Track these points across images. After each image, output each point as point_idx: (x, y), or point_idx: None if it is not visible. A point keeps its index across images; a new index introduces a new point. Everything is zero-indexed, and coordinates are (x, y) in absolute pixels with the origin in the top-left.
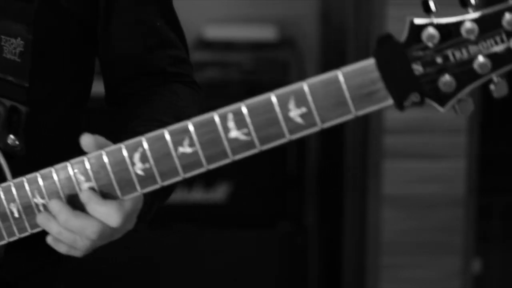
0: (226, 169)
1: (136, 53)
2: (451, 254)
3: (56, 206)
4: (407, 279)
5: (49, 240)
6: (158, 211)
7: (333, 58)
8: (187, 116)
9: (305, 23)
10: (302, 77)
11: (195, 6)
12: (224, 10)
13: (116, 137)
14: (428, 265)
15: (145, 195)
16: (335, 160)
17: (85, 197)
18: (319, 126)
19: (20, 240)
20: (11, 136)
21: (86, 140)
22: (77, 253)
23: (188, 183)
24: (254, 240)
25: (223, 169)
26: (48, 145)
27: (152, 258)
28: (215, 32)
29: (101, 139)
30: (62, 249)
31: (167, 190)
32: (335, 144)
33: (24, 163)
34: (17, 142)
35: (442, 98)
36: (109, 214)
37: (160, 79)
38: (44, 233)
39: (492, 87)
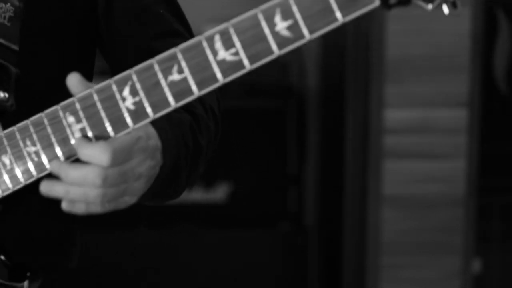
0: (226, 169)
1: (141, 41)
2: (451, 254)
3: (55, 166)
4: (407, 279)
5: (64, 205)
6: (158, 211)
7: (333, 58)
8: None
9: None
10: (302, 77)
11: (195, 6)
12: (224, 10)
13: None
14: (428, 265)
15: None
16: (335, 160)
17: (75, 145)
18: (307, 38)
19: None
20: (1, 93)
21: (73, 79)
22: (95, 208)
23: None
24: (254, 240)
25: (223, 169)
26: (39, 106)
27: (152, 258)
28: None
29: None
30: (79, 208)
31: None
32: (335, 144)
33: (15, 120)
34: (7, 97)
35: None
36: (94, 156)
37: None
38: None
39: None
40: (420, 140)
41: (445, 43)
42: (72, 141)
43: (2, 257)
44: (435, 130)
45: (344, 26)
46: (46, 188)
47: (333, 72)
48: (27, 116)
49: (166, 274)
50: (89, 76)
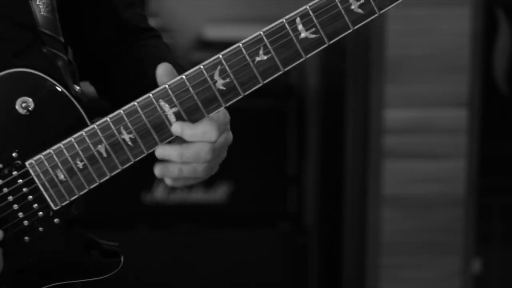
0: (226, 169)
1: (111, 12)
2: (451, 254)
3: (164, 150)
4: (407, 279)
5: (169, 182)
6: (158, 211)
7: (333, 58)
8: (181, 64)
9: None
10: (302, 77)
11: (195, 6)
12: (224, 10)
13: (125, 98)
14: (428, 265)
15: None
16: (335, 160)
17: (177, 128)
18: (377, 13)
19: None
20: (76, 86)
21: (164, 68)
22: (194, 181)
23: None
24: (254, 240)
25: (223, 169)
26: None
27: (152, 258)
28: (215, 32)
29: (172, 68)
30: (181, 183)
31: None
32: (335, 144)
33: (88, 110)
34: (81, 90)
35: None
36: (206, 132)
37: (135, 37)
38: None
39: None
40: (420, 140)
41: (445, 43)
42: (171, 124)
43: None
44: (435, 130)
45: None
46: (161, 171)
47: (333, 72)
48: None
49: (166, 274)
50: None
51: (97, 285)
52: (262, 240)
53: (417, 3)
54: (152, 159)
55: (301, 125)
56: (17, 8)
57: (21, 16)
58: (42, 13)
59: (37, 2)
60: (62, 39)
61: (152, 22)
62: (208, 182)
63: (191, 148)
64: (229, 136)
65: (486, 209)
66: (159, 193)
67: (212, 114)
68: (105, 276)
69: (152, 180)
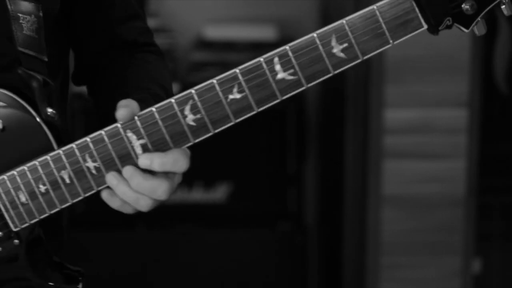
0: (226, 169)
1: (106, 25)
2: (451, 254)
3: (129, 171)
4: (407, 279)
5: (104, 195)
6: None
7: None
8: (167, 82)
9: (305, 23)
10: None
11: (195, 6)
12: (224, 10)
13: (105, 106)
14: (428, 265)
15: None
16: (335, 160)
17: (145, 161)
18: (360, 58)
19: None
20: (49, 109)
21: (123, 113)
22: (130, 211)
23: (188, 183)
24: (254, 240)
25: (223, 169)
26: (65, 115)
27: (152, 258)
28: (215, 32)
29: (134, 104)
30: (115, 204)
31: None
32: (335, 144)
33: (61, 133)
34: (54, 113)
35: (466, 21)
36: (177, 160)
37: (131, 50)
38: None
39: (503, 7)
40: (420, 140)
41: (445, 43)
42: (137, 156)
43: (61, 264)
44: (435, 130)
45: None
46: (111, 180)
47: None
48: (65, 126)
49: (166, 274)
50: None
51: (97, 285)
52: (262, 240)
53: None
54: None
55: (301, 125)
56: (1, 25)
57: (5, 32)
58: (24, 31)
59: (20, 21)
60: (45, 58)
61: (152, 22)
62: (208, 182)
63: (150, 181)
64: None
65: (486, 209)
66: None
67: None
68: None
69: None
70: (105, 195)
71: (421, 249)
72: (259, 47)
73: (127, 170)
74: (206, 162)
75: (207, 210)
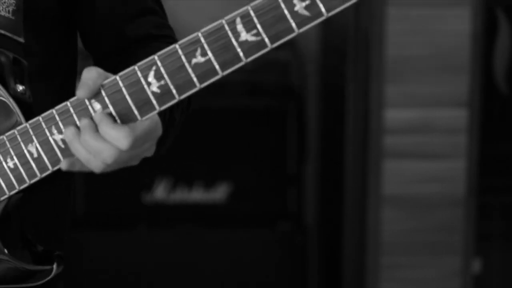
0: (226, 169)
1: (121, 21)
2: (451, 254)
3: (83, 122)
4: (407, 279)
5: (64, 164)
6: (158, 211)
7: (333, 58)
8: None
9: None
10: (302, 77)
11: (195, 6)
12: (224, 10)
13: None
14: (428, 265)
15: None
16: (335, 160)
17: (97, 118)
18: (324, 15)
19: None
20: (19, 85)
21: (90, 73)
22: (86, 170)
23: (188, 183)
24: (254, 240)
25: (223, 169)
26: (45, 95)
27: (152, 258)
28: None
29: (101, 70)
30: (75, 167)
31: (180, 117)
32: (335, 144)
33: (33, 112)
34: (24, 90)
35: None
36: (119, 138)
37: (146, 42)
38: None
39: None
40: (420, 140)
41: (445, 43)
42: (94, 114)
43: (32, 244)
44: (435, 130)
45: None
46: (68, 135)
47: (333, 72)
48: (39, 106)
49: (166, 274)
50: (75, 59)
51: (97, 285)
52: (262, 240)
53: (417, 3)
54: (152, 159)
55: (301, 125)
56: None
57: None
58: (0, 13)
59: None
60: (22, 40)
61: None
62: (208, 182)
63: (98, 143)
64: (150, 149)
65: (486, 209)
66: (159, 193)
67: (143, 123)
68: (33, 284)
69: (152, 180)
70: (68, 133)
71: (421, 249)
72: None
73: (82, 122)
74: (206, 162)
75: (207, 210)
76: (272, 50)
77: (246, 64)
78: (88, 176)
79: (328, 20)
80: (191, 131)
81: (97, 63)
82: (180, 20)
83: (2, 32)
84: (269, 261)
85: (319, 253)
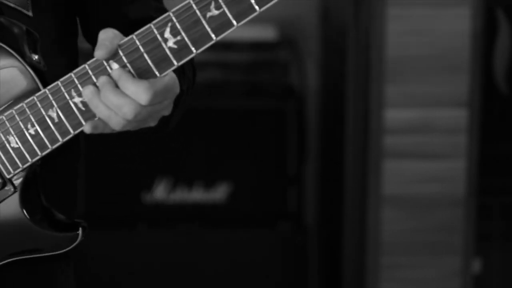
0: (226, 169)
1: (122, 3)
2: (451, 254)
3: (102, 79)
4: (407, 279)
5: (87, 127)
6: (158, 211)
7: (333, 58)
8: None
9: (305, 23)
10: (302, 77)
11: None
12: None
13: None
14: (428, 265)
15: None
16: (335, 160)
17: (116, 74)
18: None
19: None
20: (34, 55)
21: (106, 34)
22: (108, 130)
23: (188, 183)
24: (254, 240)
25: (223, 169)
26: (54, 67)
27: (152, 258)
28: None
29: (116, 31)
30: (97, 129)
31: (187, 92)
32: (335, 144)
33: (47, 81)
34: (40, 59)
35: None
36: (138, 92)
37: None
38: None
39: None
40: (420, 140)
41: (445, 43)
42: (113, 69)
43: (53, 211)
44: (435, 130)
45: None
46: (87, 93)
47: (333, 72)
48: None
49: (166, 274)
50: (76, 45)
51: (97, 285)
52: (262, 240)
53: (417, 3)
54: (152, 159)
55: (301, 125)
56: None
57: None
58: None
59: None
60: (30, 14)
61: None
62: (208, 182)
63: (118, 97)
64: (168, 107)
65: (486, 209)
66: (159, 193)
67: (162, 79)
68: (58, 252)
69: (152, 180)
70: (87, 92)
71: (421, 249)
72: (259, 47)
73: (101, 79)
74: (206, 162)
75: (207, 210)
76: (272, 49)
77: (246, 64)
78: (88, 176)
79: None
80: (191, 131)
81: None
82: None
83: (12, 5)
84: (269, 261)
85: (319, 253)
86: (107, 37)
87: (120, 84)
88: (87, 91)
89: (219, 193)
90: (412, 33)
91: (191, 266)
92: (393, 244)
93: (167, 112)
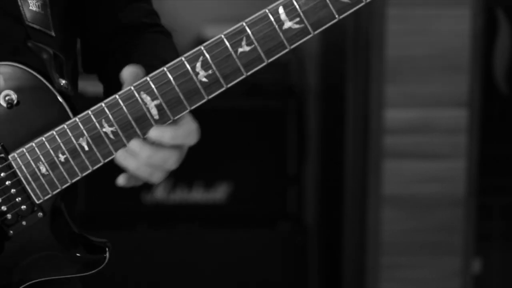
0: (226, 169)
1: (110, 9)
2: (451, 254)
3: (136, 145)
4: (407, 279)
5: (121, 180)
6: (158, 211)
7: (333, 58)
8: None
9: None
10: (302, 77)
11: (195, 6)
12: (224, 10)
13: (114, 91)
14: (428, 265)
15: None
16: (335, 160)
17: (155, 133)
18: (364, 1)
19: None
20: (62, 80)
21: (129, 70)
22: (139, 183)
23: (188, 183)
24: (254, 240)
25: (223, 169)
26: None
27: (152, 258)
28: (215, 32)
29: (138, 71)
30: (132, 183)
31: None
32: (335, 144)
33: (73, 104)
34: (67, 84)
35: None
36: (190, 133)
37: (138, 32)
38: None
39: None
40: (420, 140)
41: (445, 43)
42: (153, 117)
43: (84, 235)
44: (435, 130)
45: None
46: (121, 158)
47: (333, 72)
48: (75, 99)
49: (166, 274)
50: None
51: (97, 285)
52: (262, 240)
53: (417, 3)
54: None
55: (301, 125)
56: (8, 3)
57: (12, 11)
58: (31, 7)
59: None
60: (53, 34)
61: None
62: (208, 182)
63: (162, 152)
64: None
65: (486, 209)
66: (159, 193)
67: (186, 121)
68: (88, 273)
69: None
70: (121, 180)
71: (421, 249)
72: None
73: (134, 145)
74: (206, 162)
75: (207, 210)
76: None
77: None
78: (88, 176)
79: None
80: None
81: (85, 53)
82: (180, 20)
83: (38, 27)
84: (269, 261)
85: (319, 253)
86: (134, 67)
87: (163, 136)
88: (120, 155)
89: (219, 193)
90: (412, 33)
91: (191, 266)
92: (393, 244)
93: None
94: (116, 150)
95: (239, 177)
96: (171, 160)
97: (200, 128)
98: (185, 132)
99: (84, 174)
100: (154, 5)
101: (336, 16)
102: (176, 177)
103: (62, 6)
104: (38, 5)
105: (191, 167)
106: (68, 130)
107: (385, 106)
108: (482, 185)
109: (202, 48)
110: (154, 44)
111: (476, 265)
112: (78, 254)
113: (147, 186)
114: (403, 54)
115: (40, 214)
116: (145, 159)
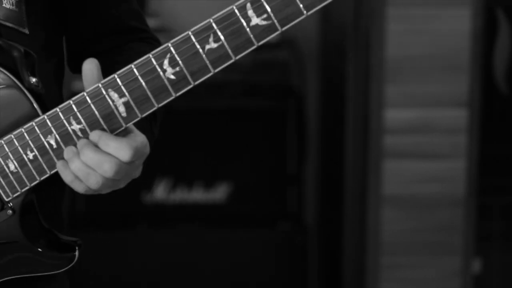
0: (226, 169)
1: (95, 9)
2: (451, 254)
3: (81, 143)
4: (407, 279)
5: (59, 164)
6: (158, 211)
7: (333, 58)
8: None
9: (305, 23)
10: (302, 77)
11: (195, 6)
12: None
13: None
14: (428, 265)
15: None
16: (335, 160)
17: (95, 135)
18: None
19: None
20: (32, 78)
21: (89, 65)
22: (80, 188)
23: (188, 183)
24: (254, 240)
25: (223, 169)
26: (52, 91)
27: (152, 258)
28: None
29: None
30: (67, 178)
31: (157, 132)
32: (335, 144)
33: (45, 103)
34: (38, 82)
35: None
36: (120, 148)
37: (125, 36)
38: None
39: None
40: (420, 140)
41: (445, 43)
42: (121, 114)
43: (55, 232)
44: (435, 130)
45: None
46: (62, 168)
47: (333, 72)
48: (47, 99)
49: (166, 274)
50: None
51: (97, 285)
52: (262, 240)
53: (417, 3)
54: (151, 159)
55: (301, 125)
56: None
57: None
58: (4, 5)
59: None
60: (27, 31)
61: (152, 22)
62: (208, 182)
63: (97, 154)
64: (137, 171)
65: (486, 209)
66: (159, 193)
67: (139, 136)
68: (57, 272)
69: (152, 180)
70: (59, 165)
71: (421, 249)
72: (259, 47)
73: (80, 142)
74: (206, 162)
75: (207, 210)
76: (272, 49)
77: (246, 64)
78: None
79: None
80: (191, 131)
81: (71, 53)
82: (180, 20)
83: (10, 25)
84: (269, 261)
85: (319, 253)
86: (92, 67)
87: (100, 143)
88: (67, 151)
89: (219, 193)
90: (412, 33)
91: (191, 266)
92: (393, 244)
93: (138, 173)
94: None
95: (239, 177)
96: (107, 165)
97: (200, 128)
98: (118, 144)
99: (53, 172)
100: (154, 5)
101: (304, 12)
102: (176, 177)
103: (42, 3)
104: (12, 2)
105: (191, 167)
106: (36, 128)
107: (385, 106)
108: (482, 185)
109: (169, 45)
110: (136, 57)
111: (476, 265)
112: (46, 252)
113: (147, 186)
114: (403, 54)
115: (9, 212)
116: (83, 158)
